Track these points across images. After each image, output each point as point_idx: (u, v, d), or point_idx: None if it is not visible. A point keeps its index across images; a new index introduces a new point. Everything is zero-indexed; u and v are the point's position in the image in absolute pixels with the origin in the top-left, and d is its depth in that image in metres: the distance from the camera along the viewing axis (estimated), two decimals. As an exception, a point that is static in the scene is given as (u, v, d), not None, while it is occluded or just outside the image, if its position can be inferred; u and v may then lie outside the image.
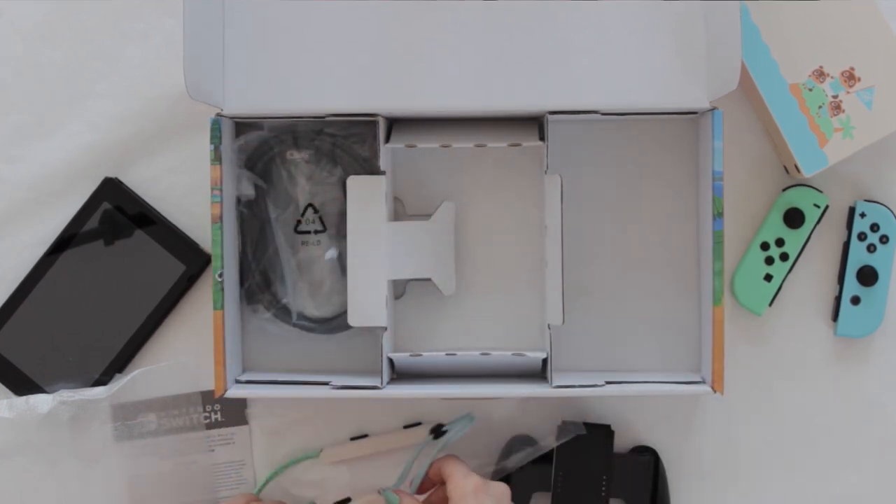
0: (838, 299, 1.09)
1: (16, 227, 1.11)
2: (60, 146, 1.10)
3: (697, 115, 1.04)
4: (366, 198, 1.02)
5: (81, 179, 1.10)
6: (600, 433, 1.06)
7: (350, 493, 1.10)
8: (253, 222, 1.07)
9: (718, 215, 1.00)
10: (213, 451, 1.10)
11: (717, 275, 1.00)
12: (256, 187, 1.06)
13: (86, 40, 1.11)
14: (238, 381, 1.04)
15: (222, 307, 1.01)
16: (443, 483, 0.99)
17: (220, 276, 1.01)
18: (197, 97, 0.98)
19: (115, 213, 1.09)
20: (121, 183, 1.09)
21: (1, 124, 1.11)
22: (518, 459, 1.07)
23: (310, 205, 1.08)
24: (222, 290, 1.01)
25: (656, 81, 1.00)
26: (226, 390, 1.01)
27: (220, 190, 1.00)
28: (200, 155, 1.08)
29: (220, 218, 1.00)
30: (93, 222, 1.09)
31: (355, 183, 1.02)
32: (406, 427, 1.10)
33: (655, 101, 1.01)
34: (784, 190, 1.08)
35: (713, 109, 1.00)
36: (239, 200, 1.05)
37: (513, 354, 1.01)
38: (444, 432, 1.07)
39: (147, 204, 1.09)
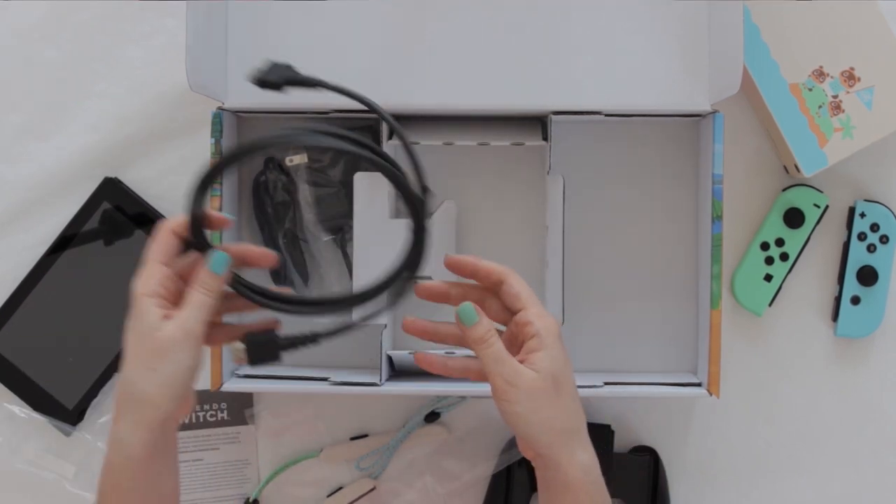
0: (838, 299, 1.09)
1: (16, 227, 1.11)
2: (60, 146, 1.10)
3: (699, 117, 1.05)
4: (371, 194, 1.03)
5: (81, 179, 1.10)
6: (600, 433, 1.05)
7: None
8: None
9: (717, 218, 1.00)
10: (217, 449, 1.10)
11: (714, 278, 1.00)
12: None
13: (86, 40, 1.11)
14: (236, 375, 1.04)
15: (221, 300, 1.01)
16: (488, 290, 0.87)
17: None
18: (198, 90, 0.98)
19: (115, 213, 1.09)
20: (121, 183, 1.09)
21: (1, 124, 1.11)
22: (516, 453, 1.07)
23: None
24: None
25: (659, 84, 1.01)
26: (222, 384, 1.01)
27: (220, 184, 1.01)
28: (200, 155, 1.08)
29: (220, 211, 1.00)
30: (93, 222, 1.09)
31: (361, 179, 1.03)
32: (353, 438, 1.10)
33: (658, 103, 1.01)
34: (784, 190, 1.08)
35: (714, 112, 1.00)
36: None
37: (512, 353, 1.01)
38: (438, 414, 1.08)
39: (147, 204, 1.09)
